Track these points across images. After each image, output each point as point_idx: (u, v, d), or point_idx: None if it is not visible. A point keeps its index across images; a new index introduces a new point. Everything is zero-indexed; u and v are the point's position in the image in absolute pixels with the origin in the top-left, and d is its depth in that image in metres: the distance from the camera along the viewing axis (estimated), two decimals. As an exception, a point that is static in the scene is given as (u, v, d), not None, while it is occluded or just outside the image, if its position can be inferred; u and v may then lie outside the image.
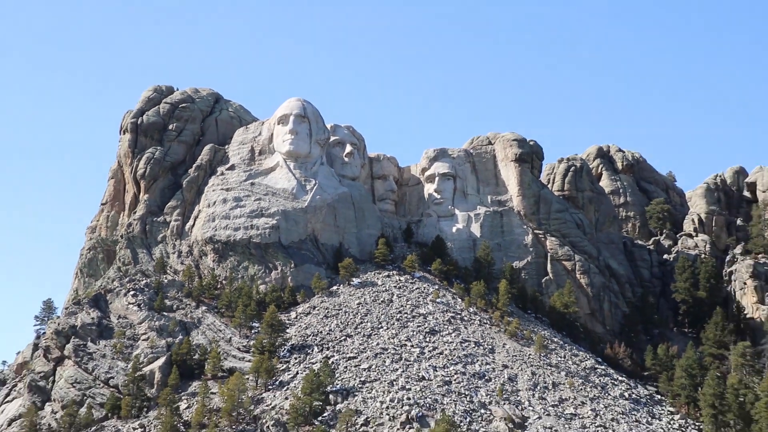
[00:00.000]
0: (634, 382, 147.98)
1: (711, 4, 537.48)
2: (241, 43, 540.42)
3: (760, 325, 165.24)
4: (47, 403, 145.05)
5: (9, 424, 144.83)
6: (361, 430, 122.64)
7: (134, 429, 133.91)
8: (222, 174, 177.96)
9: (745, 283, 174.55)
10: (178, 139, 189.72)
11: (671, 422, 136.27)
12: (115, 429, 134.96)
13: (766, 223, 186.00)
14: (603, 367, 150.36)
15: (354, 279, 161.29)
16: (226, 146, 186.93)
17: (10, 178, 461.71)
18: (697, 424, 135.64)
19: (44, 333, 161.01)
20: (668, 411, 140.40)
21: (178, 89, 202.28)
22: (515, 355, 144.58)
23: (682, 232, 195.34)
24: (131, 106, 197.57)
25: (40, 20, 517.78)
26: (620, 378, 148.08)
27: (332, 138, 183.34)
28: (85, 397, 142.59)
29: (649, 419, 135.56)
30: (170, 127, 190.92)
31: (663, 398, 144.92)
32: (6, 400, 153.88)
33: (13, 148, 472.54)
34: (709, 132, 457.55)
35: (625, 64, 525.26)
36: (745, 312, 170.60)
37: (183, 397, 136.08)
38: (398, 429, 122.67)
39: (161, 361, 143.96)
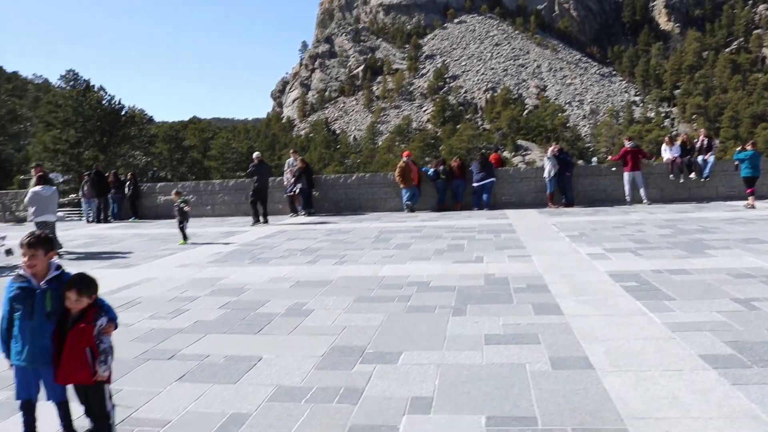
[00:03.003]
0: (600, 66, 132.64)
1: None
2: None
3: (669, 32, 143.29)
4: (309, 91, 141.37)
5: (293, 102, 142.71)
6: (462, 95, 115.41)
7: (351, 100, 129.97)
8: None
9: (660, 11, 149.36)
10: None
11: (620, 85, 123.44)
12: (343, 101, 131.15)
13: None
14: (585, 58, 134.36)
15: (455, 20, 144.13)
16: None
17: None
18: (634, 86, 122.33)
19: (304, 57, 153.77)
20: (619, 79, 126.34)
21: None
22: (539, 55, 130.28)
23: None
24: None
25: None
26: (594, 63, 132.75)
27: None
28: (327, 86, 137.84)
29: (609, 84, 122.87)
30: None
31: (616, 72, 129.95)
32: (290, 90, 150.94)
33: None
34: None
35: None
36: (660, 26, 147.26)
37: (373, 84, 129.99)
38: (482, 93, 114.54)
39: (362, 67, 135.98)
